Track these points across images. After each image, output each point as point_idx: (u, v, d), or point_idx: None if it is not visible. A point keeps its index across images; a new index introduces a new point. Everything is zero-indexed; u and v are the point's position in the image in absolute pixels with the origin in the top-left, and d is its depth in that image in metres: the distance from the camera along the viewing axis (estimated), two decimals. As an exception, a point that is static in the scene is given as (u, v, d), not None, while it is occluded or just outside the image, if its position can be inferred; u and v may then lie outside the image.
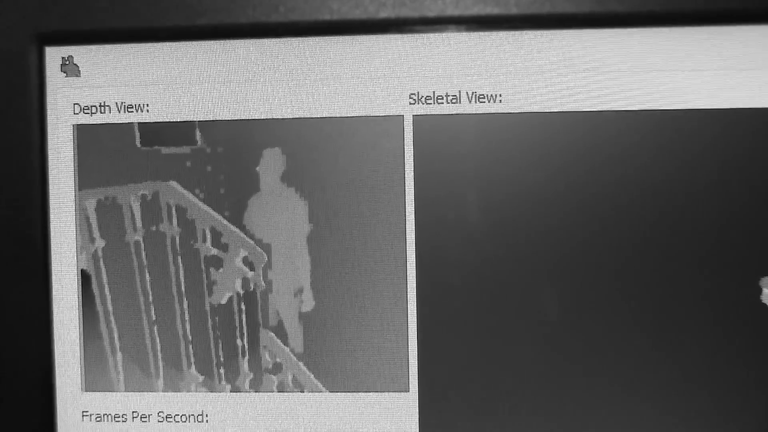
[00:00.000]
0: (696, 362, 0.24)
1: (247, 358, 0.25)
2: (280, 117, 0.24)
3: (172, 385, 0.25)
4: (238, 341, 0.25)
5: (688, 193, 0.24)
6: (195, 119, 0.25)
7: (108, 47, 0.25)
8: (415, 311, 0.24)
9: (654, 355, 0.24)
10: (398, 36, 0.24)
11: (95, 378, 0.25)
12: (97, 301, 0.25)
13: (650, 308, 0.24)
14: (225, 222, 0.25)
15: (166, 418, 0.25)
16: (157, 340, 0.25)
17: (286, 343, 0.25)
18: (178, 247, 0.25)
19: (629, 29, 0.23)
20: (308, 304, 0.25)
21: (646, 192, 0.24)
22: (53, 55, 0.25)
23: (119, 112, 0.25)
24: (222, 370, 0.25)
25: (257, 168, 0.24)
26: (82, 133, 0.25)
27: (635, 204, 0.24)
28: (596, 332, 0.24)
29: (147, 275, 0.25)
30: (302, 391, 0.25)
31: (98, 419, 0.25)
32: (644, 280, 0.24)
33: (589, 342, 0.24)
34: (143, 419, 0.25)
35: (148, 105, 0.25)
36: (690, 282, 0.24)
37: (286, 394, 0.25)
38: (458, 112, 0.24)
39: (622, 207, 0.24)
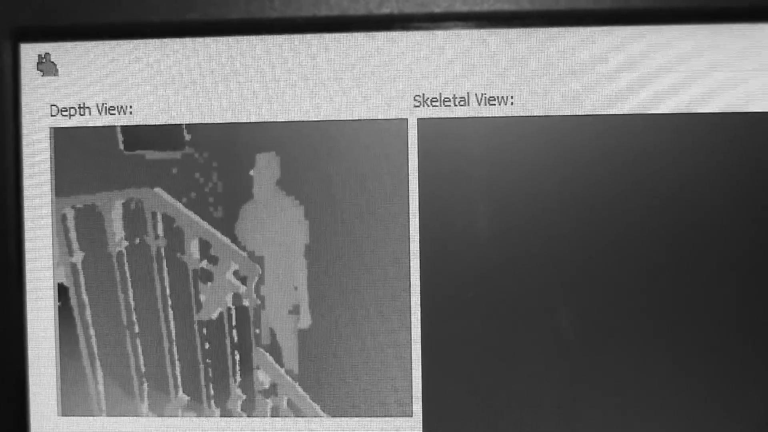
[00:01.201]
0: (708, 370, 0.24)
1: (238, 379, 0.24)
2: (274, 120, 0.24)
3: (158, 409, 0.25)
4: (229, 361, 0.24)
5: (709, 201, 0.23)
6: (182, 122, 0.24)
7: (88, 44, 0.24)
8: (419, 330, 0.24)
9: (676, 373, 0.24)
10: (402, 33, 0.24)
11: (73, 401, 0.25)
12: (76, 317, 0.25)
13: (671, 323, 0.24)
14: (215, 232, 0.24)
15: (151, 444, 0.25)
16: (141, 360, 0.25)
17: (280, 363, 0.24)
18: (163, 260, 0.25)
19: (650, 27, 0.23)
20: (305, 321, 0.24)
21: (665, 200, 0.23)
22: (29, 52, 0.24)
23: (100, 114, 0.24)
24: (211, 393, 0.25)
25: (251, 172, 0.24)
26: (60, 136, 0.25)
27: (653, 212, 0.23)
28: (613, 354, 0.24)
29: (130, 289, 0.25)
30: (298, 416, 0.24)
31: (76, 446, 0.25)
32: (663, 293, 0.23)
33: (604, 364, 0.24)
34: (126, 445, 0.25)
35: (131, 106, 0.24)
36: (708, 292, 0.23)
37: (281, 418, 0.25)
38: (466, 115, 0.24)
39: (639, 215, 0.23)
